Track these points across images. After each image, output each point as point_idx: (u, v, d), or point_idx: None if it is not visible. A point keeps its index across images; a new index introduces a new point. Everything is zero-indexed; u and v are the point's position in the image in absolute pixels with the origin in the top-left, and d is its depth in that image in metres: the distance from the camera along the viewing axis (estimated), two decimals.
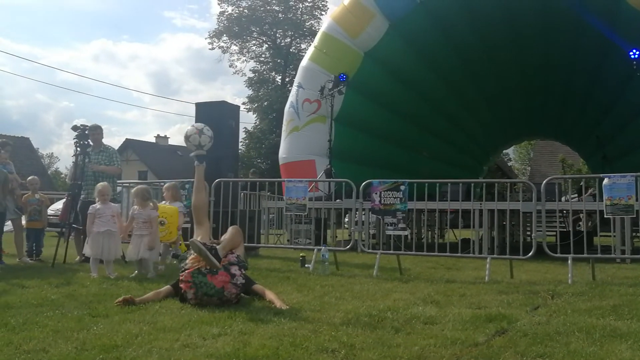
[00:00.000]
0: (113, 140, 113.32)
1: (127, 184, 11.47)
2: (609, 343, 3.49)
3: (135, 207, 7.00)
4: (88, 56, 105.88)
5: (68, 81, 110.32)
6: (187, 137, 5.76)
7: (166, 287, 5.10)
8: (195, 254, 4.84)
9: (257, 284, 5.24)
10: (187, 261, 4.89)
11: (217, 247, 4.86)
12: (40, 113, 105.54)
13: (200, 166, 5.69)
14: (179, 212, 7.93)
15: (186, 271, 4.77)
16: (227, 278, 4.68)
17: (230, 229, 5.39)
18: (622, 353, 3.25)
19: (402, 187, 7.41)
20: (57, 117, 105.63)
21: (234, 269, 4.80)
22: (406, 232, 7.85)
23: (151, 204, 7.09)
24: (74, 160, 8.42)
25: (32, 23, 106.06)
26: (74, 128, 8.22)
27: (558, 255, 7.19)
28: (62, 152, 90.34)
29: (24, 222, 8.82)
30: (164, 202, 8.24)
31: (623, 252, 8.66)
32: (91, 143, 8.33)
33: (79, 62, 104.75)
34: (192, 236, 6.32)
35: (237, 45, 42.97)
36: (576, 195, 11.85)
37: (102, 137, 8.69)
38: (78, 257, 8.23)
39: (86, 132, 8.23)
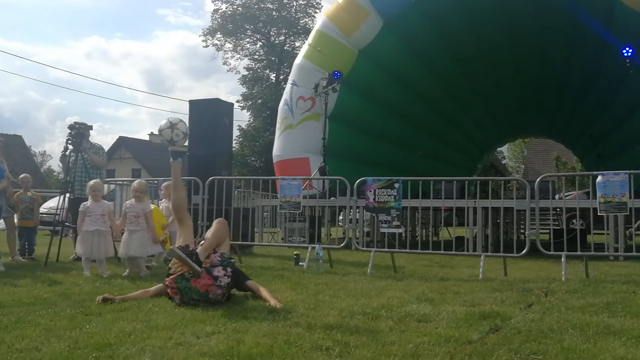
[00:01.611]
0: (106, 138, 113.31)
1: (121, 182, 11.42)
2: (602, 340, 3.49)
3: (129, 202, 6.98)
4: (80, 53, 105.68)
5: (60, 78, 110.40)
6: (159, 131, 5.33)
7: (157, 286, 5.07)
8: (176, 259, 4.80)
9: (251, 279, 5.21)
10: (170, 265, 4.82)
11: (198, 251, 4.70)
12: (33, 111, 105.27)
13: (176, 163, 5.34)
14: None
15: (170, 277, 4.71)
16: (209, 281, 4.59)
17: (214, 223, 5.17)
18: (615, 350, 3.26)
19: (397, 185, 7.41)
20: (50, 114, 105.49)
21: (217, 271, 4.68)
22: (400, 230, 7.85)
23: (146, 199, 7.09)
24: (64, 155, 8.43)
25: (24, 20, 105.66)
26: (71, 127, 8.25)
27: (551, 252, 7.21)
28: (54, 150, 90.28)
29: (16, 220, 8.77)
30: (162, 200, 8.19)
31: (616, 249, 8.69)
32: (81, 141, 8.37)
33: (71, 60, 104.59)
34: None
35: (231, 43, 42.97)
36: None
37: (89, 136, 8.83)
38: (72, 255, 8.18)
39: (81, 130, 8.27)
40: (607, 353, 3.20)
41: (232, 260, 5.09)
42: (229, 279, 4.78)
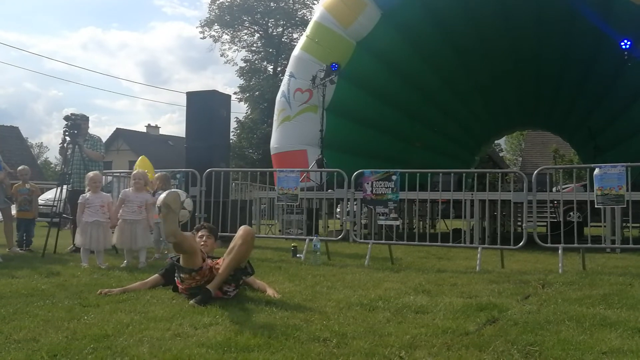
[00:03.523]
0: (103, 129, 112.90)
1: (118, 174, 11.41)
2: (598, 332, 3.51)
3: (129, 190, 7.01)
4: (77, 44, 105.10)
5: (57, 70, 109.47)
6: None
7: (154, 277, 5.06)
8: (190, 275, 4.45)
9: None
10: (183, 276, 4.50)
11: (210, 287, 4.38)
12: (29, 102, 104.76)
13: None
14: None
15: (183, 286, 4.54)
16: (219, 294, 4.48)
17: (238, 238, 4.58)
18: (611, 341, 3.28)
19: (394, 177, 7.41)
20: (46, 106, 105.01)
21: (228, 286, 4.55)
22: (398, 222, 7.85)
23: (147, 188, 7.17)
24: (63, 147, 8.38)
25: (21, 11, 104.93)
26: (66, 118, 8.20)
27: (549, 245, 7.22)
28: (51, 142, 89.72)
29: (14, 212, 8.76)
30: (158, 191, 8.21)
31: (613, 242, 8.71)
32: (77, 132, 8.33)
33: (67, 51, 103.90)
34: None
35: (228, 35, 42.80)
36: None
37: (88, 128, 8.76)
38: (70, 246, 8.18)
39: (77, 121, 8.21)
40: (603, 344, 3.21)
41: (247, 269, 4.75)
42: (237, 288, 4.67)
